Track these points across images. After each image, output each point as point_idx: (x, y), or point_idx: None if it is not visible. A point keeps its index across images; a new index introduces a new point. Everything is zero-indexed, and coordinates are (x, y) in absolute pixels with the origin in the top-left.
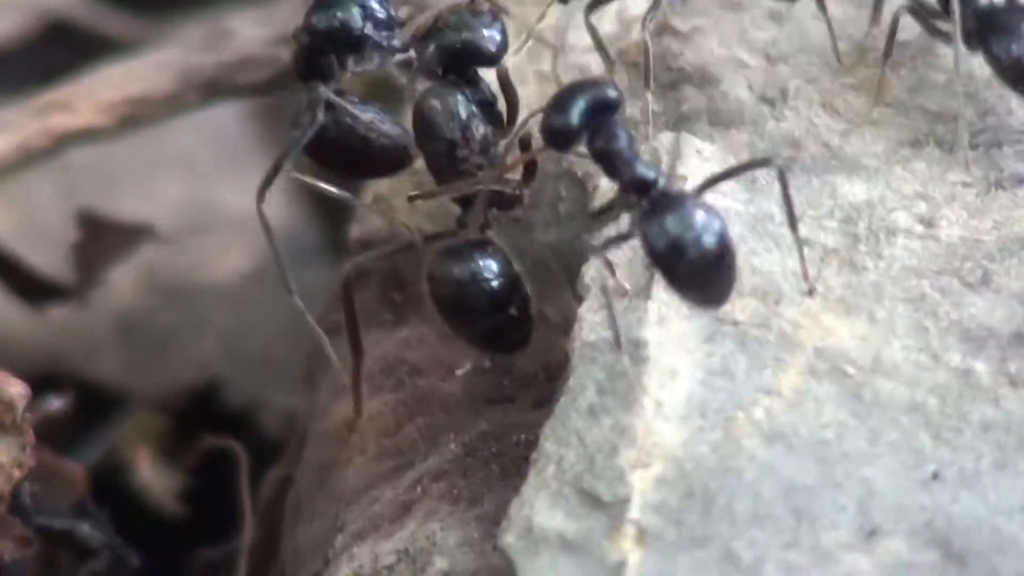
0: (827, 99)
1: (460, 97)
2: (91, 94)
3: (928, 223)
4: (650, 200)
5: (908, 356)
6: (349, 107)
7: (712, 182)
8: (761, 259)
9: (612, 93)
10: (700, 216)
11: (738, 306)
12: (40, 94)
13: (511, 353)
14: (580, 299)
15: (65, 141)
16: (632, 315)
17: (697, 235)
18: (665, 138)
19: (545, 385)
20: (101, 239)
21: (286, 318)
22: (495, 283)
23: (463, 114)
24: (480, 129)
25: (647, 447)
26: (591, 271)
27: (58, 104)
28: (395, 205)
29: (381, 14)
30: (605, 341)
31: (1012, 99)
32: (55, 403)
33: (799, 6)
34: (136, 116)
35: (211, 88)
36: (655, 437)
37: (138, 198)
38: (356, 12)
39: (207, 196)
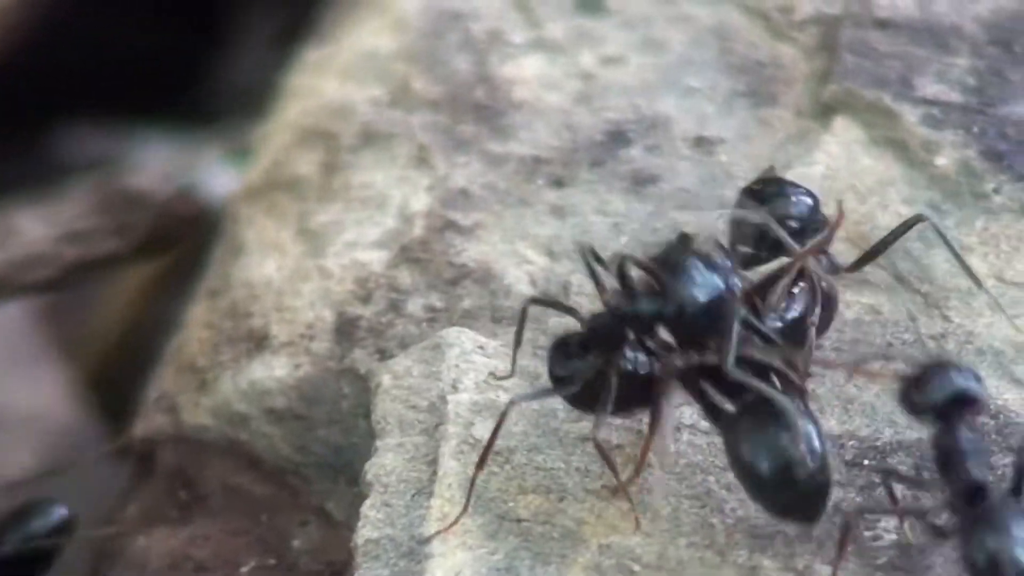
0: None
1: None
2: None
3: None
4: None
5: (694, 553)
6: None
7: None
8: (544, 456)
9: (977, 389)
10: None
11: (521, 503)
12: None
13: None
14: (363, 496)
15: None
16: (415, 512)
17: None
18: (448, 334)
19: None
20: None
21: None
22: None
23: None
24: None
25: None
26: (373, 469)
27: None
28: None
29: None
30: (388, 538)
31: None
32: None
33: (579, 200)
34: None
35: None
36: None
37: None
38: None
39: None
